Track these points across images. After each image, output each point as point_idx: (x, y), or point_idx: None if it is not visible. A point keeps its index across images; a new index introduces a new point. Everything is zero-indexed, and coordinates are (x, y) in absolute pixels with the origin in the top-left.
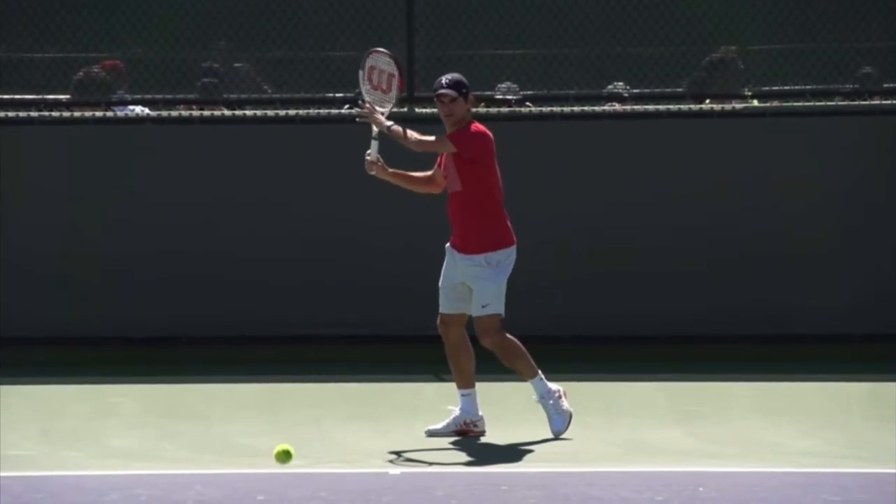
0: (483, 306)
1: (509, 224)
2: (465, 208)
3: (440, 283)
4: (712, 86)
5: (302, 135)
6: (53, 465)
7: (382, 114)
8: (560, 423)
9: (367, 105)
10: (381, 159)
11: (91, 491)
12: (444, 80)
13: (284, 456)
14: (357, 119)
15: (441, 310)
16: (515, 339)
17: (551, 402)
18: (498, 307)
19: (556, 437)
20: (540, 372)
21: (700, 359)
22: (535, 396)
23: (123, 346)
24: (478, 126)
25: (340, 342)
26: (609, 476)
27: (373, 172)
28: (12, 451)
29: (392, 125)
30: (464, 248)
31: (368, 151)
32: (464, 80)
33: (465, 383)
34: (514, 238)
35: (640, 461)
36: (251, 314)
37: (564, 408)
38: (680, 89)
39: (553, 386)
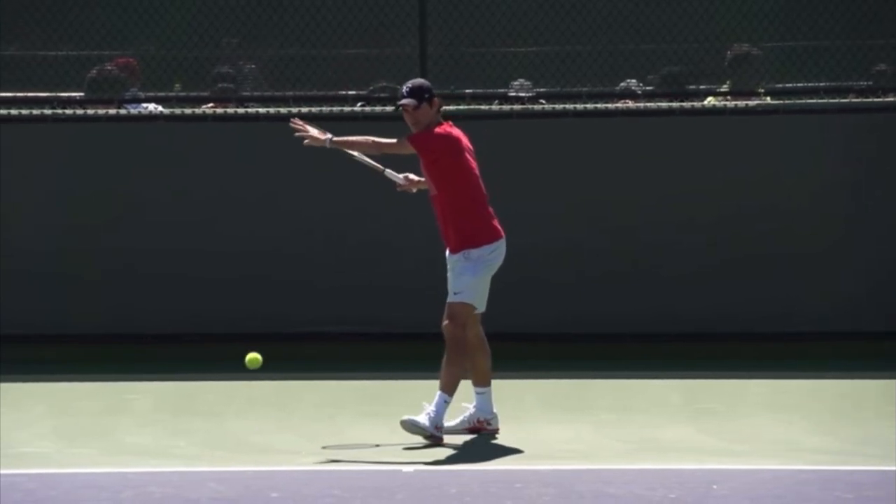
0: (455, 293)
1: (493, 221)
2: (442, 209)
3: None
4: (733, 83)
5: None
6: (67, 462)
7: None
8: (418, 420)
9: (299, 122)
10: (407, 176)
11: (105, 488)
12: (404, 89)
13: (253, 362)
14: (296, 135)
15: None
16: (475, 350)
17: (431, 421)
18: (470, 297)
19: (404, 424)
20: (451, 399)
21: (713, 356)
22: (427, 404)
23: (136, 343)
24: (443, 127)
25: (354, 339)
26: (622, 473)
27: (414, 190)
28: (26, 449)
29: (333, 138)
30: (449, 248)
31: (395, 183)
32: (425, 85)
33: (481, 381)
34: (499, 234)
35: (653, 458)
36: (264, 311)
37: (431, 431)
38: (692, 87)
39: (441, 421)
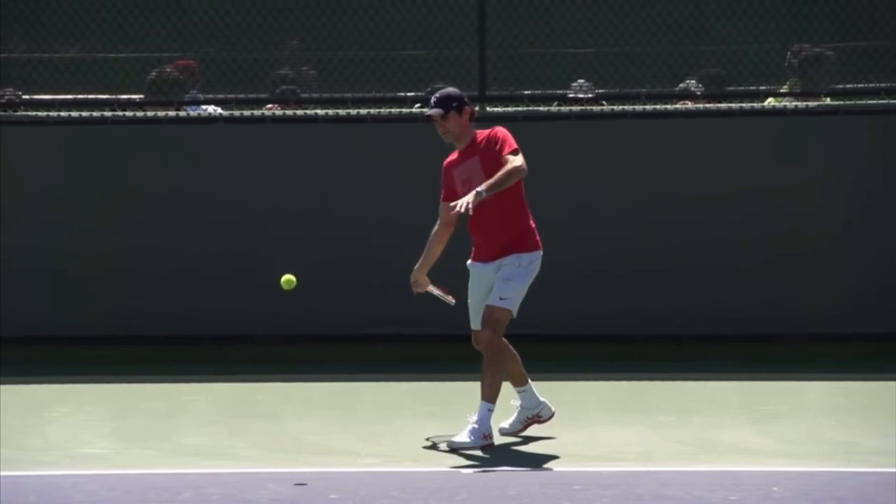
0: (501, 298)
1: (534, 228)
2: (500, 214)
3: (469, 301)
4: (805, 83)
5: (373, 134)
6: (127, 463)
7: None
8: (461, 441)
9: (458, 206)
10: (421, 284)
11: (164, 489)
12: (432, 99)
13: (288, 283)
14: (467, 209)
15: (474, 327)
16: (511, 353)
17: (476, 433)
18: (513, 305)
19: (450, 448)
20: (494, 406)
21: (772, 357)
22: (471, 416)
23: (196, 344)
24: (484, 132)
25: (412, 340)
26: (682, 475)
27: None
28: (86, 450)
29: (484, 187)
30: (496, 254)
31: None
32: (454, 93)
33: (518, 382)
34: (540, 245)
35: (712, 460)
36: (323, 313)
37: (471, 440)
38: (752, 87)
39: (489, 428)
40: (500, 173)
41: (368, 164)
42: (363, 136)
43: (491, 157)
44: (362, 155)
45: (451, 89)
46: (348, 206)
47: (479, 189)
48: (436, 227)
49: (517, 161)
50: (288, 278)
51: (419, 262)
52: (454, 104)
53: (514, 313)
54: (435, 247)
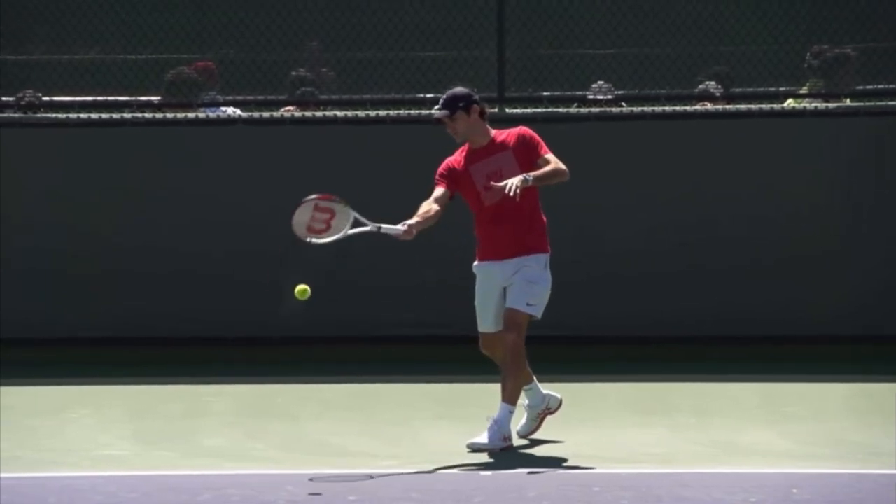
0: (529, 304)
1: None
2: (522, 210)
3: (477, 303)
4: (828, 84)
5: (386, 135)
6: (146, 464)
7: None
8: (481, 442)
9: (509, 187)
10: (407, 223)
11: (184, 490)
12: (440, 101)
13: (302, 293)
14: (513, 191)
15: (485, 330)
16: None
17: (496, 434)
18: (539, 312)
19: (470, 449)
20: (515, 408)
21: (788, 359)
22: (491, 418)
23: (215, 346)
24: (504, 131)
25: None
26: (701, 477)
27: (415, 232)
28: (106, 451)
29: (532, 177)
30: (512, 252)
31: (395, 232)
32: (460, 93)
33: (525, 381)
34: None
35: (732, 462)
36: (340, 315)
37: (491, 442)
38: (772, 88)
39: (509, 430)
40: (548, 169)
41: (377, 164)
42: (378, 137)
43: (525, 153)
44: (376, 156)
45: (458, 89)
46: (359, 205)
47: (527, 176)
48: (430, 206)
49: (562, 165)
50: (302, 288)
51: (416, 219)
52: (460, 104)
53: (539, 318)
54: (433, 218)
